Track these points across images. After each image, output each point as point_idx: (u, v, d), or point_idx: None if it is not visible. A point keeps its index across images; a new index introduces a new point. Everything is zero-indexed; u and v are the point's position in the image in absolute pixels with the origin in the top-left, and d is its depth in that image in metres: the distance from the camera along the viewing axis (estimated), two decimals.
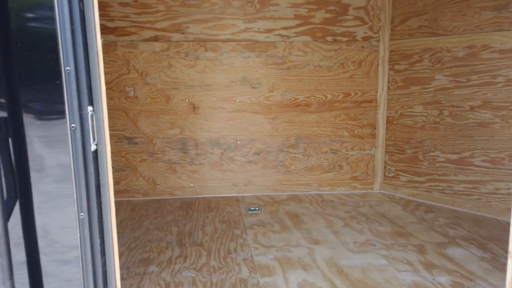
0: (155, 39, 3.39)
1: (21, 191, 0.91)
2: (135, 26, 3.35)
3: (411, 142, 3.47)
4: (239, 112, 3.56)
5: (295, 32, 3.44)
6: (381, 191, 3.76)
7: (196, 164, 3.63)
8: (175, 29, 3.38)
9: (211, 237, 2.83)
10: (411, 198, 3.57)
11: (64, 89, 0.87)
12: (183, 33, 3.39)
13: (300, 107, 3.57)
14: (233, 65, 3.47)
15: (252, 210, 3.33)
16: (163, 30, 3.38)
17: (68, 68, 0.86)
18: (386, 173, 3.69)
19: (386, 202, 3.48)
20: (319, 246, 2.65)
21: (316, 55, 3.48)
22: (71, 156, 0.90)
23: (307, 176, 3.70)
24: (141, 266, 2.41)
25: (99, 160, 0.93)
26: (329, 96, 3.57)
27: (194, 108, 3.54)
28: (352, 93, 3.58)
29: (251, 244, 2.70)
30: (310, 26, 3.43)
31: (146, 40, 3.38)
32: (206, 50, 3.43)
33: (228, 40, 3.42)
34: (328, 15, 3.44)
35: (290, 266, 2.39)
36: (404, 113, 3.48)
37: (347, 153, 3.68)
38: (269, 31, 3.43)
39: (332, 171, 3.71)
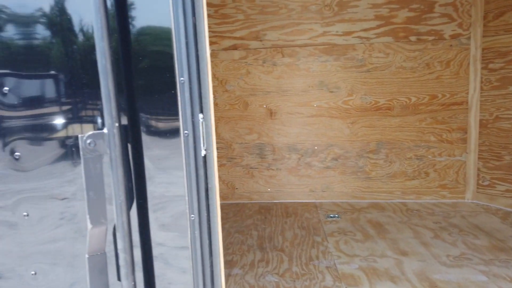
0: (234, 47, 3.49)
1: (138, 192, 0.98)
2: (216, 36, 3.49)
3: (510, 147, 3.13)
4: (317, 117, 3.52)
5: (376, 34, 3.32)
6: (474, 201, 3.44)
7: (273, 169, 3.65)
8: (253, 37, 3.46)
9: (291, 242, 2.81)
10: (510, 209, 3.22)
11: (178, 98, 0.92)
12: (260, 40, 3.45)
13: (381, 111, 3.43)
14: (310, 69, 3.45)
15: (331, 217, 3.25)
16: (241, 38, 3.47)
17: (182, 78, 0.91)
18: (480, 182, 3.37)
19: (481, 213, 3.18)
20: (407, 258, 2.50)
21: (399, 56, 3.32)
22: (183, 160, 0.95)
23: (389, 183, 3.53)
24: (226, 268, 2.47)
25: (208, 165, 0.97)
26: (413, 99, 3.38)
27: (271, 113, 3.57)
28: (440, 95, 3.34)
29: (333, 252, 2.64)
30: (392, 27, 3.29)
31: (225, 49, 3.50)
32: (283, 56, 3.45)
33: (305, 45, 3.41)
34: (412, 14, 3.26)
35: (377, 277, 2.28)
36: (500, 115, 3.16)
37: (434, 159, 3.44)
38: (347, 33, 3.35)
39: (417, 178, 3.49)
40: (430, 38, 3.28)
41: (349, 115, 3.47)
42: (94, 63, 0.84)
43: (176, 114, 0.92)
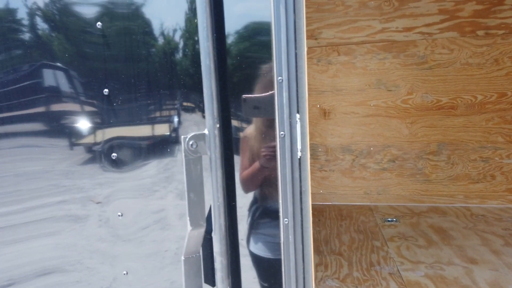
0: None
1: (228, 195, 0.96)
2: None
3: None
4: (373, 117, 3.40)
5: (439, 29, 3.14)
6: None
7: (325, 171, 3.57)
8: (308, 35, 3.39)
9: (349, 246, 2.73)
10: None
11: (276, 97, 0.89)
12: (316, 39, 3.39)
13: (443, 110, 3.25)
14: (368, 67, 3.33)
15: (389, 220, 3.13)
16: None
17: (280, 77, 0.88)
18: None
19: None
20: (477, 267, 2.34)
21: (464, 52, 3.13)
22: (278, 162, 0.92)
23: (451, 186, 3.34)
24: None
25: (302, 167, 0.93)
26: (480, 97, 3.17)
27: (325, 113, 3.49)
28: (509, 93, 3.12)
29: (395, 257, 2.53)
30: (457, 21, 3.10)
31: None
32: (339, 54, 3.36)
33: (362, 43, 3.30)
34: (480, 7, 3.06)
35: (446, 286, 2.15)
36: None
37: (502, 162, 3.22)
38: (408, 29, 3.20)
39: (482, 182, 3.28)
40: (500, 32, 3.06)
41: (408, 114, 3.32)
42: (194, 63, 0.83)
43: (273, 114, 0.89)
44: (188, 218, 0.82)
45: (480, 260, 2.42)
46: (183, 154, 0.80)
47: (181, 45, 0.87)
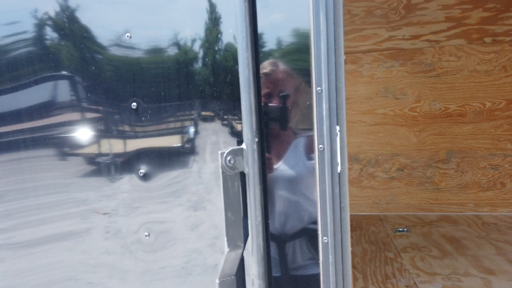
0: None
1: (265, 212, 0.91)
2: None
3: None
4: (381, 125, 3.37)
5: (446, 36, 3.13)
6: None
7: None
8: None
9: (362, 258, 2.67)
10: None
11: (314, 109, 0.84)
12: None
13: (451, 118, 3.22)
14: (375, 76, 3.31)
15: (400, 230, 3.07)
16: None
17: (319, 88, 0.83)
18: None
19: None
20: (495, 277, 2.29)
21: (472, 59, 3.11)
22: (317, 177, 0.87)
23: (461, 194, 3.30)
24: None
25: (341, 182, 0.89)
26: (488, 104, 3.15)
27: None
28: None
29: (410, 269, 2.47)
30: (464, 28, 3.09)
31: None
32: (345, 63, 3.34)
33: (369, 51, 3.28)
34: (487, 14, 3.06)
35: None
36: None
37: (511, 169, 3.18)
38: (415, 37, 3.19)
39: (492, 189, 3.24)
40: (507, 39, 3.05)
41: (416, 122, 3.29)
42: (232, 73, 0.79)
43: (311, 126, 0.85)
44: (225, 238, 0.77)
45: (498, 270, 2.37)
46: (220, 170, 0.75)
47: (214, 55, 0.82)
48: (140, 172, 0.87)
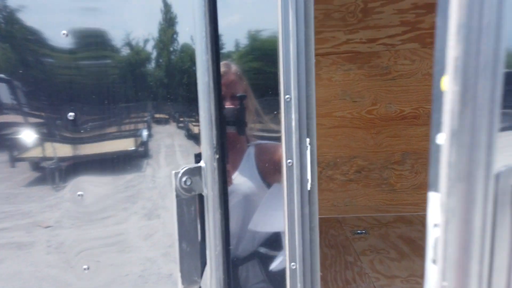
0: None
1: (227, 236, 0.80)
2: None
3: None
4: (339, 128, 3.37)
5: (401, 40, 3.19)
6: None
7: None
8: None
9: (322, 264, 2.63)
10: None
11: (282, 120, 0.75)
12: None
13: (406, 120, 3.29)
14: (333, 79, 3.30)
15: (358, 233, 3.09)
16: None
17: (288, 96, 0.74)
18: None
19: None
20: None
21: (426, 63, 3.19)
22: (285, 197, 0.77)
23: (415, 195, 3.38)
24: None
25: (311, 200, 0.80)
26: None
27: None
28: None
29: (370, 273, 2.46)
30: (418, 32, 3.16)
31: None
32: None
33: (328, 54, 3.26)
34: None
35: None
36: None
37: None
38: (372, 40, 3.21)
39: None
40: None
41: (373, 125, 3.33)
42: (189, 79, 0.67)
43: (279, 139, 0.75)
44: (179, 274, 0.65)
45: None
46: (174, 193, 0.63)
47: (169, 56, 0.70)
48: (81, 189, 0.73)
